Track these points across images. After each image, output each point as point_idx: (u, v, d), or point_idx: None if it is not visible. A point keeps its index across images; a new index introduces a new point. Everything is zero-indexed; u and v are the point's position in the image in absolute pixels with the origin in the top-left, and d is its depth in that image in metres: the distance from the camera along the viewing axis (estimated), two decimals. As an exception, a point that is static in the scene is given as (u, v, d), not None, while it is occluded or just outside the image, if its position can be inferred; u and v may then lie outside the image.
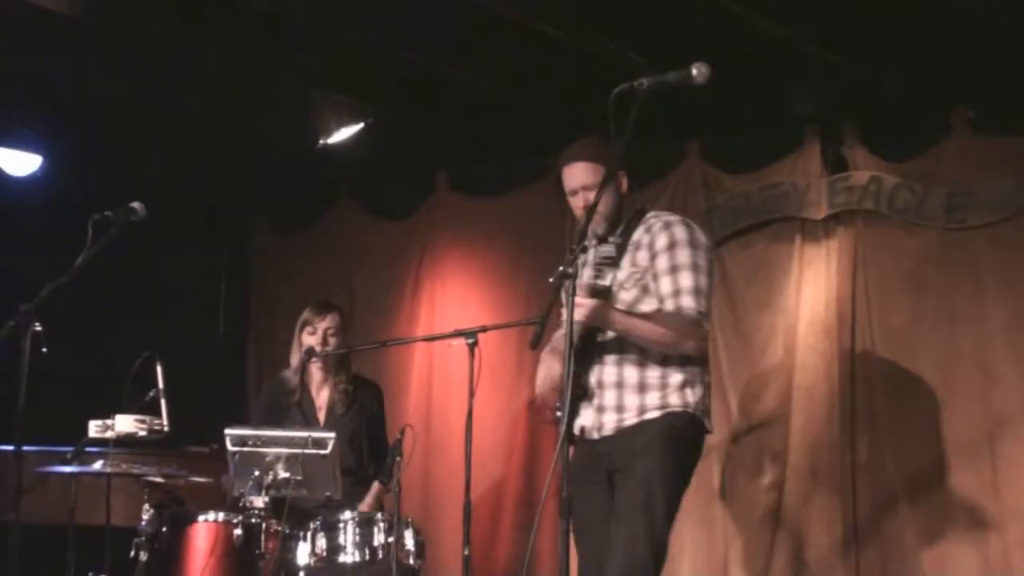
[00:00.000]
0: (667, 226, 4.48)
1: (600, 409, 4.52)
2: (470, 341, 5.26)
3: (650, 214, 4.59)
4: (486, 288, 7.94)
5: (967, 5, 5.54)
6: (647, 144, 5.28)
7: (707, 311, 4.46)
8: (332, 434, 5.37)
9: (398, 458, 5.32)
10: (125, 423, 5.54)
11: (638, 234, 4.52)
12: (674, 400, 4.49)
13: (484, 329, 5.34)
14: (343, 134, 7.15)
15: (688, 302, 4.40)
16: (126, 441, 5.61)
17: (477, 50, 6.17)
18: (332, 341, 6.08)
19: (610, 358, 4.49)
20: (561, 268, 3.75)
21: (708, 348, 4.61)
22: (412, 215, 8.30)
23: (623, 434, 4.47)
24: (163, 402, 5.63)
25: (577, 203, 4.51)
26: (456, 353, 5.53)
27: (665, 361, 4.49)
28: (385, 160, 7.93)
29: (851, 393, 6.65)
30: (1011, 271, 6.37)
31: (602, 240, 4.47)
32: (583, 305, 4.16)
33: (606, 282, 4.45)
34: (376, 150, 7.45)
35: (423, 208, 8.25)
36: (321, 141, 7.13)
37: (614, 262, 4.48)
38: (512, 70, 6.44)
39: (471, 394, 5.15)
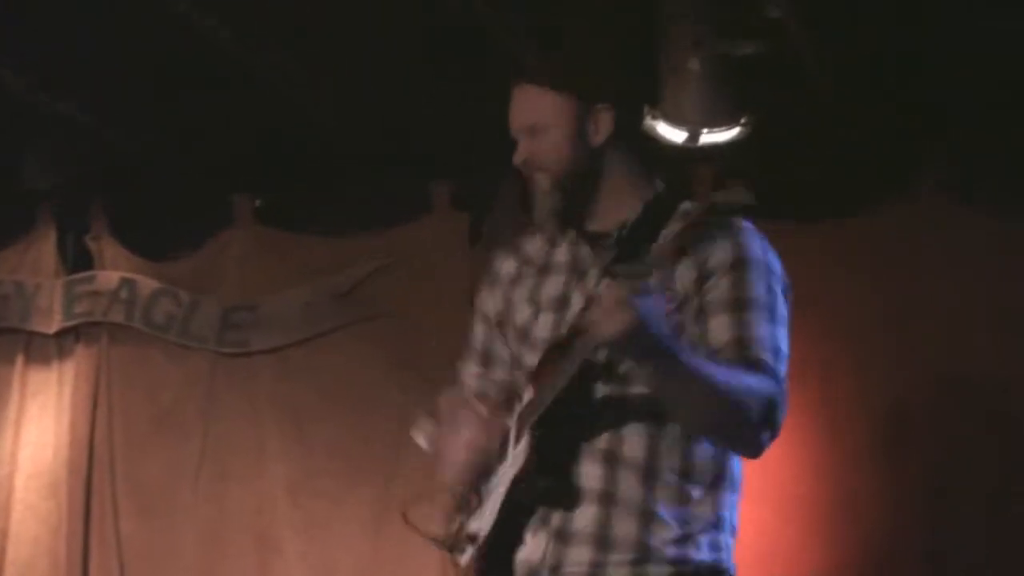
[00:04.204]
0: (733, 230, 2.92)
1: (562, 536, 2.84)
2: None
3: (686, 204, 3.00)
4: None
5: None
6: None
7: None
8: None
9: None
10: None
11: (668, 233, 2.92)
12: (703, 548, 2.88)
13: None
14: None
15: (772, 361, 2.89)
16: None
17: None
18: None
19: (598, 446, 2.83)
20: None
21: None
22: None
23: None
24: None
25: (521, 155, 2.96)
26: None
27: (692, 472, 2.88)
28: None
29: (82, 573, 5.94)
30: (299, 408, 5.80)
31: (593, 238, 2.93)
32: (618, 310, 2.56)
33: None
34: None
35: None
36: None
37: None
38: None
39: None
